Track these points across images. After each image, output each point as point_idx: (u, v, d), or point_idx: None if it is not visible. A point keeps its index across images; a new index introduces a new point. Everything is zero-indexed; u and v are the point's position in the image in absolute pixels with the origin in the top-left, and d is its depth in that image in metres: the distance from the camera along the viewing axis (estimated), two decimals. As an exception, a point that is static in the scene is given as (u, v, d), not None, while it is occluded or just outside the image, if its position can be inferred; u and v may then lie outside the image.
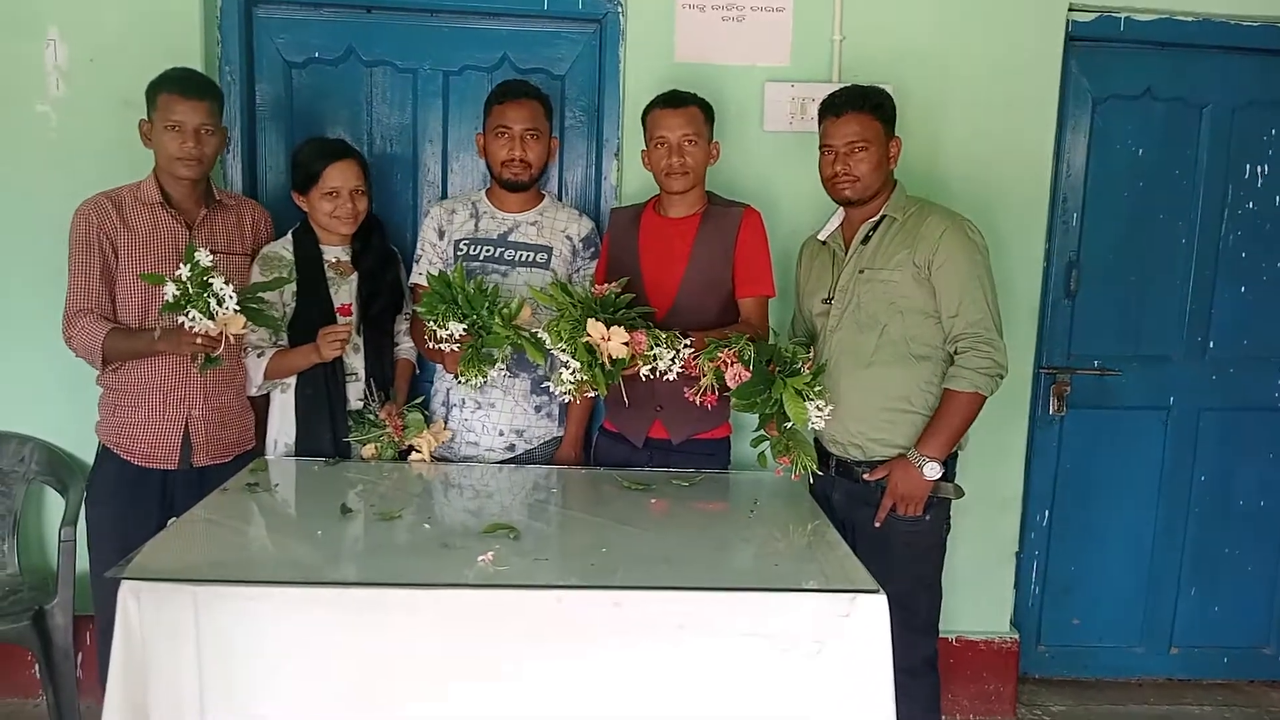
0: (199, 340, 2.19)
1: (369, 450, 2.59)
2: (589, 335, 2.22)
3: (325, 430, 2.59)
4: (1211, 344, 3.30)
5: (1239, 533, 3.39)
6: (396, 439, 2.58)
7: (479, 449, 2.69)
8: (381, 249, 2.71)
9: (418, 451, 2.60)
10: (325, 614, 1.75)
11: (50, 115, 2.82)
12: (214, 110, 2.45)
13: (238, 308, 2.18)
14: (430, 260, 2.69)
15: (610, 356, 2.23)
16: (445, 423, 2.70)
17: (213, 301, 2.13)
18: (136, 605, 1.74)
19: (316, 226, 2.63)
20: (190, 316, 2.14)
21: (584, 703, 1.77)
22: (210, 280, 2.13)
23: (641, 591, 1.80)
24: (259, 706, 1.76)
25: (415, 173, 3.09)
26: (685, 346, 2.29)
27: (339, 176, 2.55)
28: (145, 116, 2.45)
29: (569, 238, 2.71)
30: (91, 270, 2.42)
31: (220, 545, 1.99)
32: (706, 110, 2.57)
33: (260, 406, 2.69)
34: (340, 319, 2.58)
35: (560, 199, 3.01)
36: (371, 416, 2.60)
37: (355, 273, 2.66)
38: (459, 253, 2.65)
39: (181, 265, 2.12)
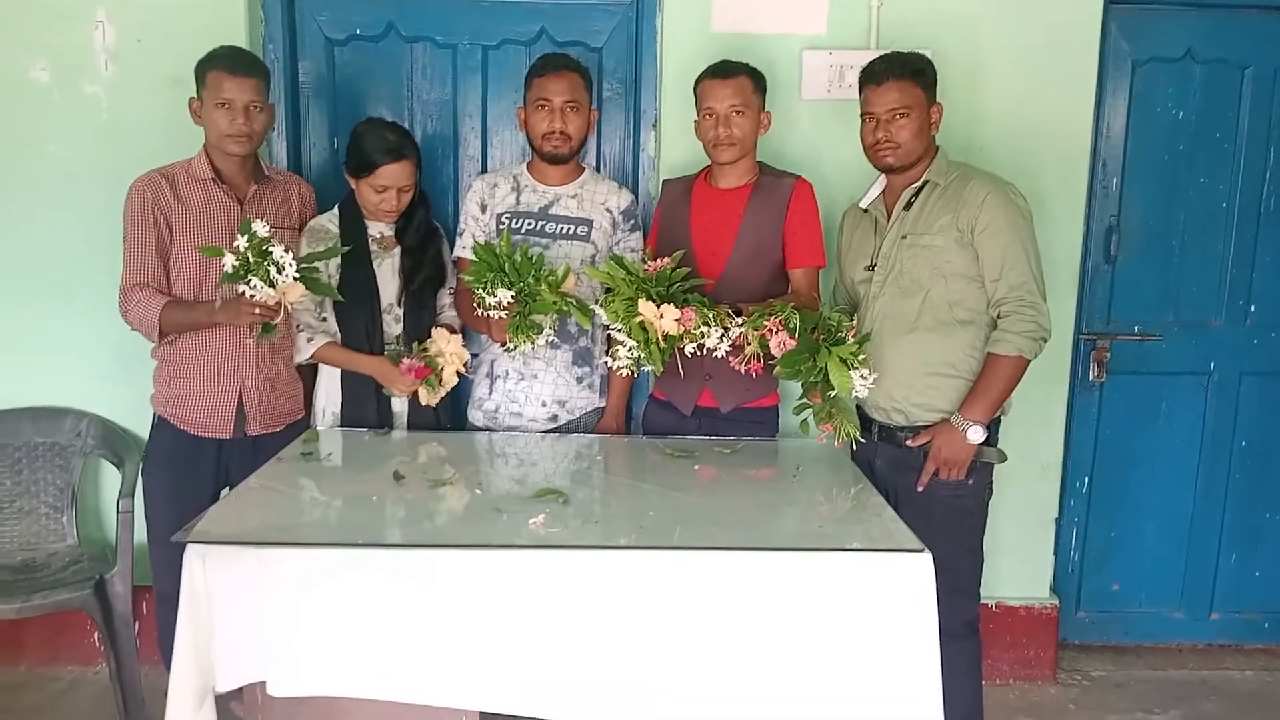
0: (257, 310, 2.24)
1: (424, 395, 2.59)
2: (641, 314, 2.24)
3: (370, 399, 2.64)
4: (1253, 308, 3.27)
5: (1280, 498, 3.38)
6: (429, 351, 2.59)
7: (522, 419, 2.72)
8: (425, 224, 2.74)
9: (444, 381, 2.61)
10: (386, 575, 1.80)
11: (100, 96, 2.88)
12: (261, 87, 2.48)
13: (296, 275, 2.21)
14: (473, 234, 2.71)
15: (662, 334, 2.24)
16: (490, 392, 2.73)
17: (273, 270, 2.16)
18: (202, 568, 1.81)
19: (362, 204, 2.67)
20: (251, 285, 2.17)
21: (634, 660, 1.81)
22: (269, 249, 2.16)
23: (690, 552, 1.84)
24: (320, 663, 1.82)
25: (455, 148, 3.12)
26: (736, 325, 2.28)
27: (391, 177, 2.56)
28: (194, 94, 2.49)
29: (609, 210, 2.73)
30: (147, 245, 2.47)
31: (280, 511, 2.04)
32: (757, 79, 2.56)
33: (307, 377, 2.74)
34: (407, 378, 2.56)
35: (598, 171, 3.02)
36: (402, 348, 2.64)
37: (399, 247, 2.69)
38: (501, 226, 2.68)
39: (238, 238, 2.16)
